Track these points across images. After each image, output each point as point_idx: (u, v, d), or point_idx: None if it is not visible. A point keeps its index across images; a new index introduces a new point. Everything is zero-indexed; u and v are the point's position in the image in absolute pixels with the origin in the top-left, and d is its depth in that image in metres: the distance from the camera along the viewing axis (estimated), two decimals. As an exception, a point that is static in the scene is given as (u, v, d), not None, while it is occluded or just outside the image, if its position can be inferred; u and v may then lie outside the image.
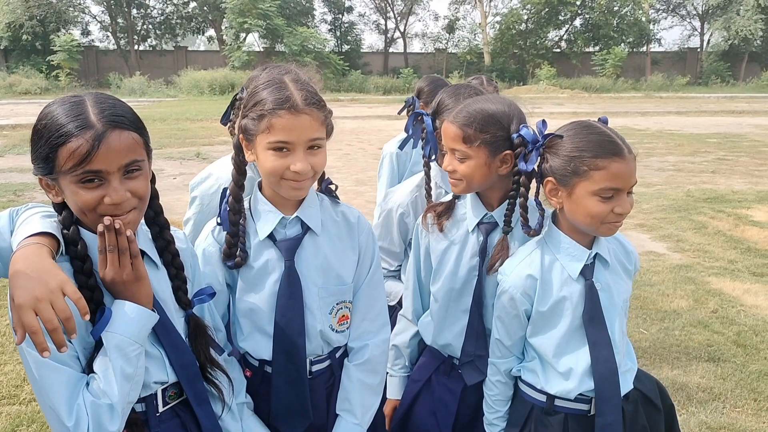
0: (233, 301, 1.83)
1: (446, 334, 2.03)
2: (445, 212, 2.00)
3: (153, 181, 1.55)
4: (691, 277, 5.50)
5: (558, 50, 39.94)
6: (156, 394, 1.50)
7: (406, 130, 2.71)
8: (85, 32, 40.58)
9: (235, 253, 1.76)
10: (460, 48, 40.71)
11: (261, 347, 1.80)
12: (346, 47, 40.87)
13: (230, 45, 34.04)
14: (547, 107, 23.83)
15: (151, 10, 40.67)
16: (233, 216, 1.76)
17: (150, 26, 41.15)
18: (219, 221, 1.78)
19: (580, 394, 1.81)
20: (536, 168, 1.82)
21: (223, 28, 36.53)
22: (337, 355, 1.89)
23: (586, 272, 1.79)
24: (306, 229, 1.79)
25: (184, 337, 1.56)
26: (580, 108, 24.04)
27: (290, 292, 1.76)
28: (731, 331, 4.39)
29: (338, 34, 41.62)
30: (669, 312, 4.75)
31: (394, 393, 2.20)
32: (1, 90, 29.58)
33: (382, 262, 2.55)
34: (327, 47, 36.15)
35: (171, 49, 40.12)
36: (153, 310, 1.44)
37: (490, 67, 37.01)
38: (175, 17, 40.90)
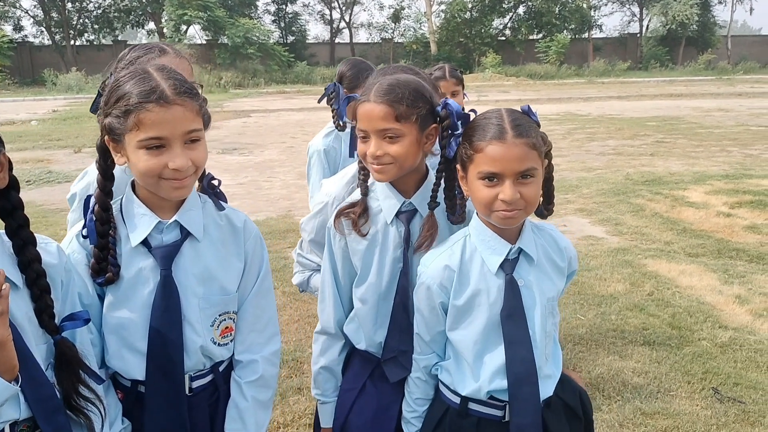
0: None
1: (379, 335, 1.89)
2: (363, 214, 1.84)
3: (15, 187, 1.38)
4: (628, 260, 5.52)
5: (503, 38, 40.24)
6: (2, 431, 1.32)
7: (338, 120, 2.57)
8: (18, 27, 39.08)
9: (105, 268, 1.57)
10: (406, 37, 40.62)
11: (132, 366, 1.62)
12: (291, 38, 40.35)
13: (170, 38, 33.16)
14: (493, 95, 24.03)
15: (87, 4, 39.36)
16: (101, 227, 1.56)
17: (86, 20, 39.86)
18: (85, 234, 1.58)
19: (493, 398, 1.71)
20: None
21: (162, 20, 35.62)
22: (221, 368, 1.73)
23: (507, 267, 1.68)
24: (186, 234, 1.62)
25: (44, 366, 1.38)
26: (525, 95, 24.30)
27: (166, 304, 1.59)
28: (666, 314, 4.40)
29: (282, 25, 41.07)
30: (606, 296, 4.74)
31: (328, 420, 2.02)
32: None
33: (314, 257, 2.42)
34: (271, 39, 35.60)
35: (109, 44, 38.92)
36: (16, 378, 1.27)
37: (436, 56, 37.01)
38: (112, 10, 39.68)
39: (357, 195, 1.89)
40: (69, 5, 38.41)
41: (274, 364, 1.78)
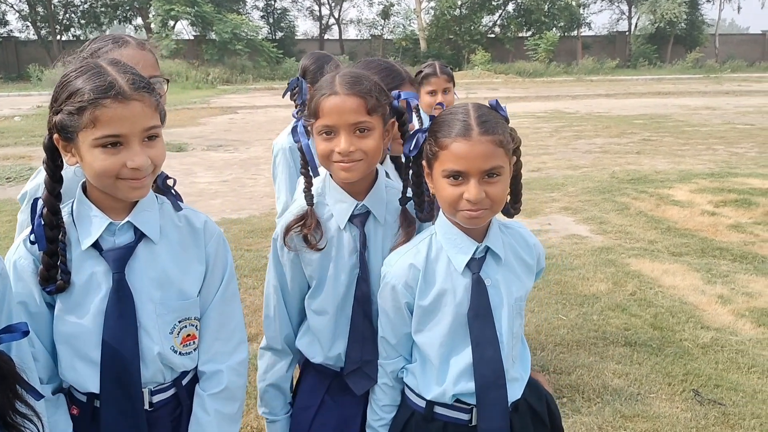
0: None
1: (338, 346, 1.81)
2: (317, 227, 1.74)
3: None
4: (611, 259, 5.48)
5: (492, 35, 40.24)
6: None
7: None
8: (3, 22, 38.69)
9: (54, 275, 1.48)
10: (396, 34, 40.54)
11: (86, 378, 1.53)
12: (279, 34, 40.15)
13: (158, 33, 32.92)
14: (482, 92, 23.96)
15: (73, -1, 39.03)
16: (50, 231, 1.47)
17: (73, 15, 39.50)
18: (33, 239, 1.49)
19: (459, 401, 1.65)
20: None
21: (150, 15, 35.35)
22: (184, 381, 1.64)
23: (474, 266, 1.63)
24: (140, 236, 1.54)
25: None
26: (513, 92, 24.31)
27: (120, 310, 1.50)
28: (648, 314, 4.36)
29: (271, 21, 40.86)
30: (588, 296, 4.70)
31: None
32: None
33: None
34: (260, 34, 35.40)
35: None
36: None
37: (425, 53, 36.96)
38: (99, 5, 39.33)
39: (302, 205, 1.78)
40: (55, 0, 38.01)
41: (241, 375, 1.69)
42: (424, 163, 1.65)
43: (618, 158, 10.48)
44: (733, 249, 5.72)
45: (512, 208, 1.72)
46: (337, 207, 1.75)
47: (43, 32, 37.97)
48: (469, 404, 1.65)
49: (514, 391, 1.68)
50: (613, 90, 24.59)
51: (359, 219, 1.75)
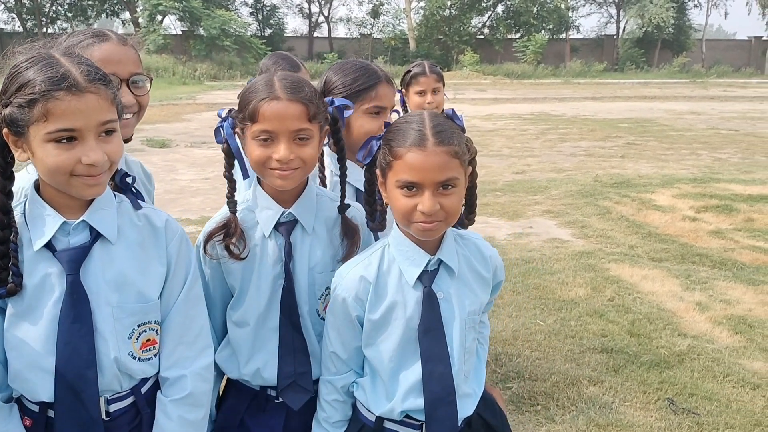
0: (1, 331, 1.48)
1: (257, 360, 1.73)
2: (240, 236, 1.66)
3: None
4: (591, 264, 5.46)
5: (481, 36, 40.29)
6: None
7: None
8: (-12, 13, 38.27)
9: (5, 278, 1.41)
10: (385, 33, 40.47)
11: (38, 386, 1.45)
12: (268, 31, 39.96)
13: (145, 28, 32.64)
14: (470, 93, 24.02)
15: (60, -10, 38.62)
16: (1, 232, 1.41)
17: (59, 7, 39.10)
18: None
19: (408, 417, 1.61)
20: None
21: (138, 10, 35.05)
22: (144, 389, 1.56)
23: (425, 279, 1.59)
24: (96, 236, 1.47)
25: None
26: (501, 94, 24.33)
27: (75, 313, 1.43)
28: (626, 320, 4.33)
29: (260, 17, 40.64)
30: (567, 301, 4.67)
31: None
32: None
33: None
34: (248, 31, 35.21)
35: (83, 32, 38.20)
36: None
37: (414, 53, 36.91)
38: (86, -2, 38.99)
39: (224, 212, 1.71)
40: (41, -9, 37.61)
41: (206, 380, 1.62)
42: (378, 171, 1.61)
43: (602, 162, 10.50)
44: (713, 255, 5.72)
45: (467, 218, 1.70)
46: (263, 214, 1.69)
47: (28, 24, 37.52)
48: (419, 420, 1.61)
49: (466, 407, 1.65)
50: (600, 93, 24.68)
51: (285, 227, 1.69)
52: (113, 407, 1.51)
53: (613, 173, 9.43)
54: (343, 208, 1.74)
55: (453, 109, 1.61)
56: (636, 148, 11.93)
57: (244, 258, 1.67)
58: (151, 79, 1.88)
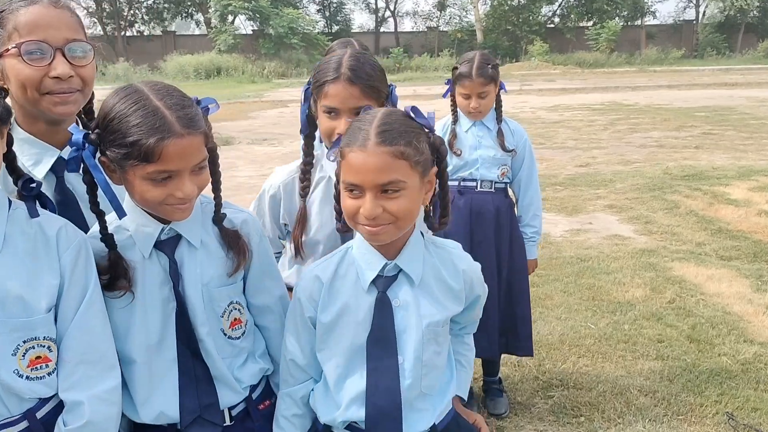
0: None
1: (157, 399, 1.53)
2: (110, 264, 1.49)
3: None
4: (652, 262, 5.12)
5: (551, 25, 39.23)
6: None
7: None
8: (72, 19, 40.07)
9: None
10: (452, 26, 40.01)
11: None
12: (335, 28, 40.19)
13: (216, 28, 33.45)
14: (538, 84, 23.41)
15: (138, -5, 40.09)
16: None
17: (137, 11, 40.60)
18: None
19: (352, 427, 1.51)
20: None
21: (209, 11, 35.93)
22: (41, 413, 1.39)
23: (380, 284, 1.48)
24: None
25: None
26: (571, 84, 23.57)
27: None
28: (686, 324, 4.02)
29: (327, 14, 40.93)
30: (622, 303, 4.38)
31: None
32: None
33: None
34: (316, 28, 35.53)
35: (159, 34, 39.55)
36: None
37: (482, 44, 36.29)
38: (162, 2, 40.32)
39: (97, 246, 1.49)
40: (120, -4, 39.14)
41: (112, 403, 1.44)
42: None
43: (674, 153, 9.94)
44: (790, 253, 5.27)
45: (439, 223, 1.56)
46: (139, 233, 1.50)
47: (108, 28, 39.11)
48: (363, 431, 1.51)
49: (419, 424, 1.52)
50: (677, 81, 23.51)
51: (167, 245, 1.51)
52: None
53: (685, 165, 8.91)
54: (218, 218, 1.56)
55: (415, 106, 1.47)
56: (712, 137, 11.26)
57: (122, 295, 1.49)
58: (94, 48, 1.66)
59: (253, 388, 1.65)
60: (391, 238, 1.45)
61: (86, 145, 1.38)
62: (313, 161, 1.96)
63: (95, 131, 1.39)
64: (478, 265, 1.61)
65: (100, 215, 1.47)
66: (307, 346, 1.55)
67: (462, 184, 3.01)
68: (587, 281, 4.75)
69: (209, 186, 1.54)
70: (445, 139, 2.98)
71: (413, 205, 1.42)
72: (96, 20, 39.93)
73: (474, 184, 3.00)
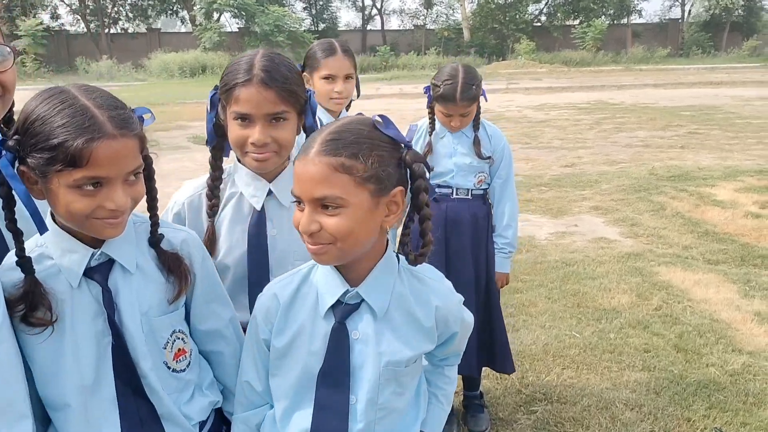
0: None
1: None
2: (30, 297, 1.29)
3: None
4: (638, 267, 5.00)
5: (538, 24, 39.23)
6: None
7: None
8: (55, 16, 39.55)
9: None
10: (439, 24, 39.90)
11: None
12: (322, 26, 39.96)
13: (201, 25, 33.15)
14: (525, 82, 23.34)
15: (122, -8, 39.66)
16: None
17: (121, 8, 40.15)
18: None
19: None
20: None
21: (194, 8, 35.58)
22: None
23: (339, 312, 1.32)
24: None
25: None
26: (557, 83, 23.53)
27: None
28: (673, 333, 3.90)
29: (313, 12, 40.70)
30: (608, 310, 4.25)
31: None
32: (-37, 77, 28.63)
33: None
34: (302, 26, 35.30)
35: (143, 32, 39.13)
36: None
37: (469, 42, 36.27)
38: (146, -1, 39.94)
39: (11, 276, 1.30)
40: (104, -7, 38.68)
41: None
42: None
43: (660, 153, 9.86)
44: (778, 257, 5.18)
45: (418, 255, 1.35)
46: (65, 259, 1.31)
47: (92, 25, 38.65)
48: None
49: None
50: (663, 80, 23.53)
51: (99, 271, 1.34)
52: None
53: (671, 165, 8.82)
54: (154, 239, 1.41)
55: (385, 117, 1.29)
56: (698, 137, 11.20)
57: (55, 320, 1.30)
58: (15, 51, 1.52)
59: (202, 424, 1.50)
60: (336, 262, 1.29)
61: (3, 152, 1.22)
62: (223, 176, 1.74)
63: (14, 137, 1.23)
64: (457, 300, 1.43)
65: (17, 235, 1.29)
66: (263, 370, 1.41)
67: (437, 191, 2.85)
68: (572, 287, 4.63)
69: (143, 202, 1.38)
70: (420, 149, 2.83)
71: (358, 227, 1.23)
72: (79, 17, 39.48)
73: (449, 191, 2.85)
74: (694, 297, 4.43)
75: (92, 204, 1.23)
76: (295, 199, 1.25)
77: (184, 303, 1.48)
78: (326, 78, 2.64)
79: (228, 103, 1.61)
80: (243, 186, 1.71)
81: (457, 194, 2.83)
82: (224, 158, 1.77)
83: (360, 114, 1.34)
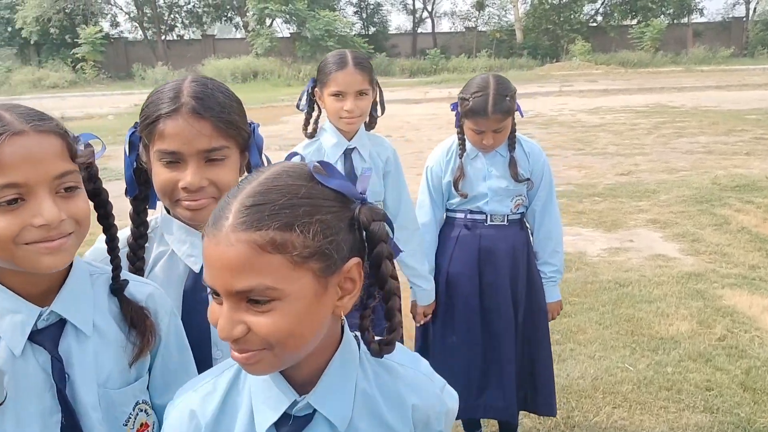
0: None
1: None
2: None
3: None
4: (700, 289, 4.60)
5: (594, 24, 38.25)
6: None
7: None
8: (114, 24, 40.70)
9: None
10: (490, 26, 39.32)
11: None
12: (372, 29, 39.90)
13: (254, 31, 33.53)
14: (579, 84, 22.70)
15: (178, 0, 40.51)
16: None
17: (177, 15, 41.05)
18: None
19: None
20: None
21: (247, 14, 36.05)
22: None
23: (286, 429, 0.98)
24: None
25: None
26: (613, 84, 22.78)
27: None
28: (739, 368, 3.52)
29: (364, 16, 40.69)
30: (666, 339, 3.89)
31: None
32: (28, 84, 29.62)
33: None
34: (352, 30, 35.31)
35: (198, 38, 39.86)
36: None
37: (522, 44, 35.59)
38: (201, 6, 40.67)
39: None
40: (160, 1, 39.56)
41: None
42: None
43: (723, 160, 9.30)
44: None
45: (384, 340, 1.02)
46: (5, 322, 1.09)
47: (149, 32, 39.59)
48: None
49: None
50: (726, 81, 22.49)
51: (47, 335, 1.12)
52: None
53: (736, 174, 8.28)
54: (116, 286, 1.19)
55: (327, 162, 0.94)
56: (764, 143, 10.53)
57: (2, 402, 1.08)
58: None
59: None
60: (274, 370, 0.96)
61: None
62: (149, 231, 1.43)
63: None
64: (438, 390, 1.10)
65: None
66: None
67: (469, 217, 2.57)
68: (626, 311, 4.27)
69: (99, 250, 1.17)
70: (448, 176, 2.56)
71: (300, 324, 0.89)
72: (137, 24, 40.52)
73: (483, 217, 2.56)
74: (763, 326, 4.01)
75: (15, 223, 1.01)
76: (209, 290, 0.92)
77: (148, 368, 1.26)
78: (335, 95, 2.38)
79: (151, 142, 1.31)
80: (175, 243, 1.41)
81: (491, 221, 2.55)
82: (150, 210, 1.47)
83: (298, 157, 1.06)
